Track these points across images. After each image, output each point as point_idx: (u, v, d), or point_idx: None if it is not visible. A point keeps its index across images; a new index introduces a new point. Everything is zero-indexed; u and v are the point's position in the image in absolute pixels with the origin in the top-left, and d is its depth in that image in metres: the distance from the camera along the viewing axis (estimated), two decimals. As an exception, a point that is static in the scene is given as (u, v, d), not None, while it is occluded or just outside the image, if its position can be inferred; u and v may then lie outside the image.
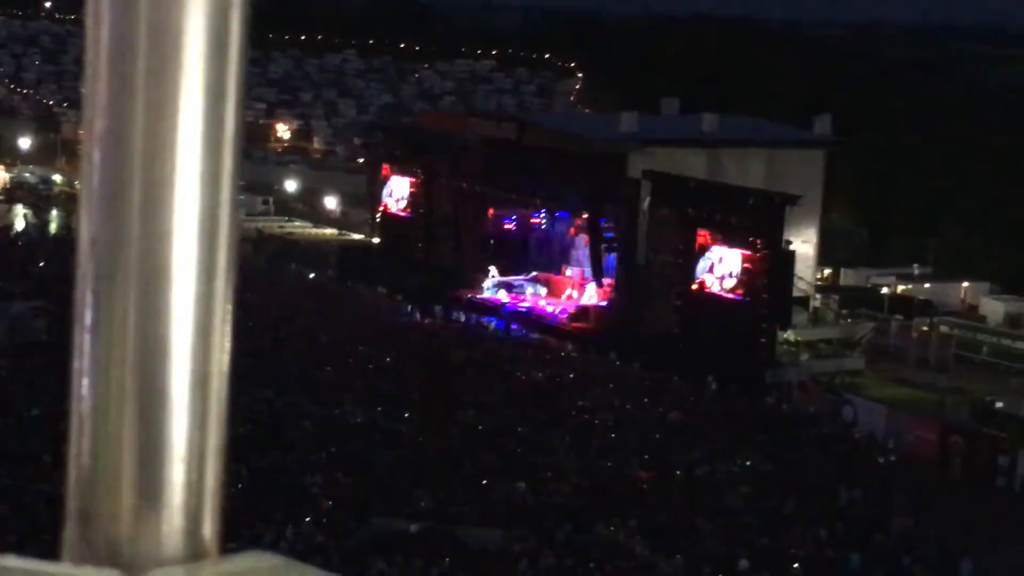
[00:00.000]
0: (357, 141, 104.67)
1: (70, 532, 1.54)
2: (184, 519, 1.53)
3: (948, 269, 66.27)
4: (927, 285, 62.80)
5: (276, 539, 28.32)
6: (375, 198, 68.15)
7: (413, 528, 29.40)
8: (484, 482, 32.98)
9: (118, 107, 1.52)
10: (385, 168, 66.64)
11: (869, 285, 63.20)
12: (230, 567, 1.52)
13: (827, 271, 64.23)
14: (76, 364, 1.53)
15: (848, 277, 65.83)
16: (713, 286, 49.43)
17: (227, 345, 1.54)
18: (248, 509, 29.45)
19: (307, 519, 29.48)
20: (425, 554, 27.92)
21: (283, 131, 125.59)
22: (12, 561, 1.51)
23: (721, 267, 49.21)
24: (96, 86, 1.53)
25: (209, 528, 1.54)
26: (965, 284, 64.26)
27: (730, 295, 48.85)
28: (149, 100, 1.51)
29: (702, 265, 49.72)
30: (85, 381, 1.53)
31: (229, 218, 1.53)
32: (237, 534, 27.68)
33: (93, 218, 1.52)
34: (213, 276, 1.51)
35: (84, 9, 1.53)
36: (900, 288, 61.91)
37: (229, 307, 1.53)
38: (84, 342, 1.52)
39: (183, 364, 1.51)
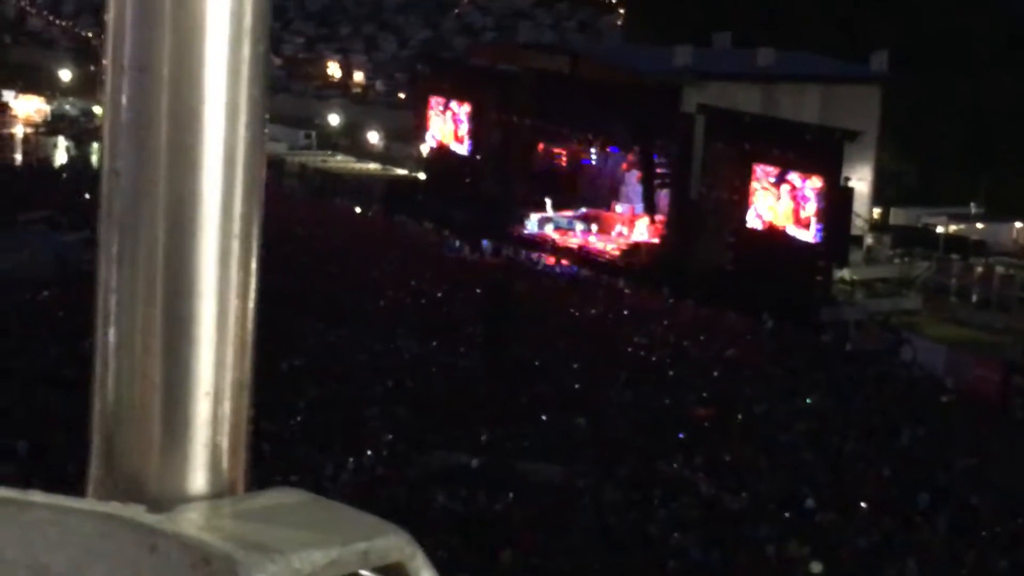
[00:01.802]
0: (399, 76, 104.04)
1: (95, 468, 1.52)
2: (209, 455, 1.51)
3: (999, 209, 65.40)
4: (979, 225, 62.06)
5: (336, 471, 28.10)
6: (421, 132, 67.57)
7: (474, 462, 29.14)
8: (543, 417, 32.70)
9: (145, 35, 1.46)
10: (432, 102, 65.98)
11: (920, 225, 62.49)
12: (255, 503, 1.50)
13: (877, 210, 63.51)
14: (101, 298, 1.49)
15: (898, 216, 65.06)
16: (773, 220, 48.78)
17: (253, 279, 1.51)
18: (307, 441, 29.31)
19: (368, 452, 29.21)
20: (487, 488, 27.64)
21: (333, 69, 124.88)
22: (38, 497, 1.50)
23: (780, 203, 48.57)
24: (121, 12, 1.47)
25: (235, 464, 1.53)
26: (1018, 224, 63.49)
27: (787, 231, 48.24)
28: (176, 28, 1.45)
29: (760, 199, 49.09)
30: (111, 315, 1.49)
31: (256, 151, 1.49)
32: (295, 467, 27.47)
33: (118, 149, 1.48)
34: (240, 210, 1.48)
35: None
36: (952, 228, 61.22)
37: (255, 241, 1.50)
38: (110, 275, 1.49)
39: (210, 298, 1.48)
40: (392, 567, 1.47)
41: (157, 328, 1.50)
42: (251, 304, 1.55)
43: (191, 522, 1.47)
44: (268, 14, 1.52)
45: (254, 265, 1.53)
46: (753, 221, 49.57)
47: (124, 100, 1.49)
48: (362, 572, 1.47)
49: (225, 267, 1.50)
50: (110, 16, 1.49)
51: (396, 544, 1.47)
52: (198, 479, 1.53)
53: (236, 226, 1.50)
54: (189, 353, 1.51)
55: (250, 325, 1.55)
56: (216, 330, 1.51)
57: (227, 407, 1.54)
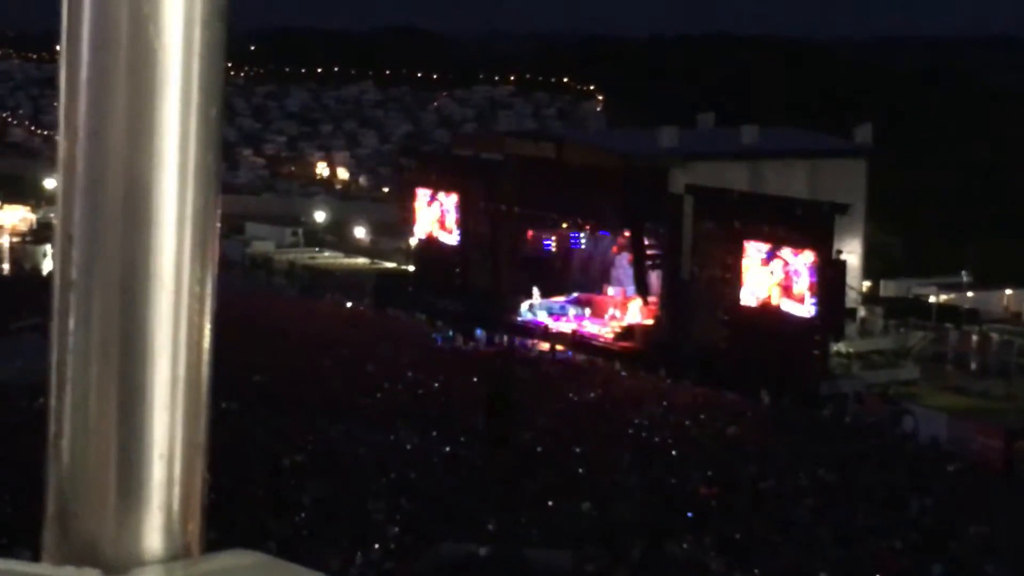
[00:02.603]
0: (382, 171, 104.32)
1: (50, 532, 1.51)
2: (165, 517, 1.51)
3: (986, 277, 65.63)
4: (969, 293, 62.19)
5: (344, 567, 27.78)
6: (408, 225, 67.68)
7: (482, 552, 28.82)
8: (549, 503, 32.42)
9: (98, 100, 1.48)
10: (418, 194, 66.11)
11: (911, 295, 62.61)
12: (211, 565, 1.51)
13: (866, 283, 63.66)
14: (56, 362, 1.50)
15: (888, 288, 65.24)
16: (766, 296, 48.74)
17: (206, 340, 1.53)
18: (312, 537, 29.02)
19: (375, 546, 28.90)
20: (497, 577, 27.34)
21: (322, 168, 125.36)
22: None
23: (773, 279, 48.56)
24: (75, 77, 1.48)
25: (191, 526, 1.53)
26: (1008, 291, 63.65)
27: (781, 307, 48.20)
28: (129, 92, 1.47)
29: (752, 276, 49.06)
30: (66, 379, 1.50)
31: (208, 213, 1.51)
32: (303, 564, 27.14)
33: (72, 214, 1.49)
34: (194, 272, 1.50)
35: (60, 4, 1.49)
36: (943, 297, 61.34)
37: (208, 303, 1.52)
38: (65, 340, 1.50)
39: (163, 360, 1.50)
40: None
41: (112, 391, 1.50)
42: (205, 365, 1.56)
43: None
44: (222, 77, 1.52)
45: (207, 327, 1.55)
46: (747, 298, 49.54)
47: (78, 166, 1.50)
48: None
49: (178, 330, 1.52)
50: (63, 81, 1.50)
51: None
52: (153, 542, 1.52)
53: (188, 288, 1.52)
54: (143, 416, 1.51)
55: (204, 386, 1.56)
56: (170, 392, 1.52)
57: (183, 470, 1.54)
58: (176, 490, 1.54)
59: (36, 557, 1.55)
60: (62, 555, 1.52)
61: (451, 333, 56.18)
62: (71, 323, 1.51)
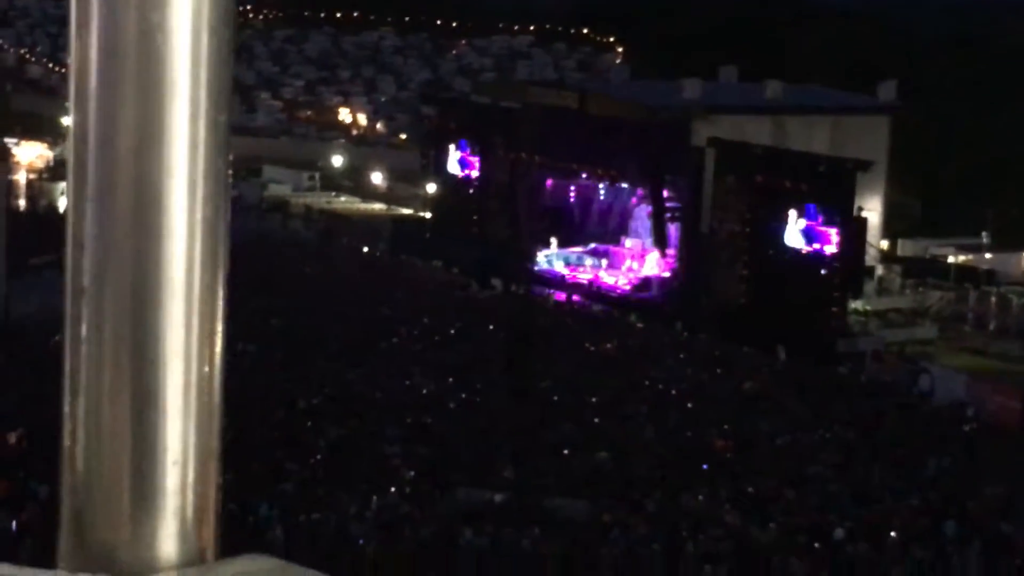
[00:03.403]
0: (401, 117, 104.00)
1: (65, 538, 1.52)
2: (179, 524, 1.51)
3: (1005, 239, 65.30)
4: (988, 255, 61.96)
5: (361, 510, 27.81)
6: (427, 171, 67.45)
7: (498, 499, 28.83)
8: (565, 452, 32.40)
9: (108, 107, 1.48)
10: (438, 141, 65.84)
11: (928, 256, 62.39)
12: (225, 571, 1.51)
13: (884, 242, 63.44)
14: (69, 369, 1.50)
15: (906, 247, 64.99)
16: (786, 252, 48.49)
17: (219, 347, 1.53)
18: (329, 480, 29.04)
19: (392, 490, 28.90)
20: (513, 524, 27.33)
21: (334, 111, 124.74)
22: (8, 569, 1.49)
23: (793, 235, 48.30)
24: (85, 85, 1.49)
25: (205, 532, 1.53)
26: (1027, 253, 63.41)
27: (801, 263, 47.99)
28: (138, 100, 1.48)
29: (772, 231, 48.80)
30: (79, 387, 1.50)
31: (218, 220, 1.52)
32: (319, 506, 27.21)
33: (83, 221, 1.50)
34: (205, 278, 1.51)
35: (69, 13, 1.49)
36: (961, 258, 61.15)
37: (220, 309, 1.52)
38: (76, 346, 1.50)
39: (176, 367, 1.50)
40: None
41: (125, 398, 1.50)
42: (217, 371, 1.55)
43: None
44: (229, 84, 1.51)
45: (219, 334, 1.54)
46: (766, 254, 49.31)
47: (88, 173, 1.50)
48: None
49: (189, 336, 1.52)
50: (73, 89, 1.50)
51: None
52: (168, 548, 1.52)
53: (199, 295, 1.51)
54: (157, 422, 1.51)
55: (217, 392, 1.55)
56: (183, 398, 1.52)
57: (197, 475, 1.53)
58: (190, 496, 1.53)
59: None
60: (77, 562, 1.51)
61: (467, 280, 56.12)
62: (83, 330, 1.50)
